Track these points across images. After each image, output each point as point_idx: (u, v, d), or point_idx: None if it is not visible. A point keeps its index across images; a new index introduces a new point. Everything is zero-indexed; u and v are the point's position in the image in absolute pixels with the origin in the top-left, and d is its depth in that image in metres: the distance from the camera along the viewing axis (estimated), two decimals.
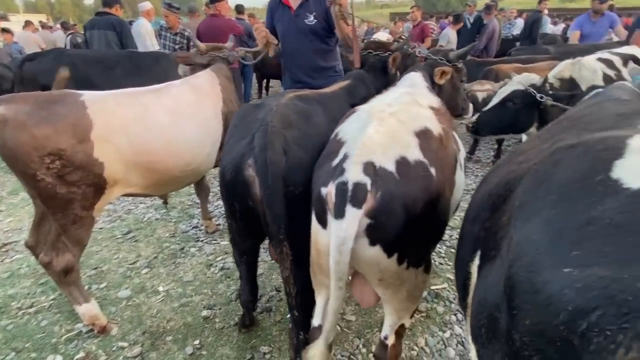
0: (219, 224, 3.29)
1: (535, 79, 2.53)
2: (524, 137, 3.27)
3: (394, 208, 1.15)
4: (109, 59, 4.36)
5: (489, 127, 2.66)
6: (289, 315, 2.25)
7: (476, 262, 0.89)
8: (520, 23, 8.64)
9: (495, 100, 2.64)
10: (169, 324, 2.22)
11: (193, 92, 2.51)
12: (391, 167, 1.18)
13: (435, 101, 1.73)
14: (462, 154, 1.64)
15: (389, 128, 1.28)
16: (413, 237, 1.23)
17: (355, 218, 1.10)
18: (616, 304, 0.46)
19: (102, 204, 2.04)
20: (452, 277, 2.57)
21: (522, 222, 0.67)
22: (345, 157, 1.21)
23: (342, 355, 1.98)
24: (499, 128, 2.69)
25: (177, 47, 5.25)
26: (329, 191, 1.19)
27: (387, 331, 1.45)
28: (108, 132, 1.92)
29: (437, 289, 2.42)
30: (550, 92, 2.41)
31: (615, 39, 5.95)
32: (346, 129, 1.39)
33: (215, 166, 2.75)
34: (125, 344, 2.07)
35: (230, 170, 1.50)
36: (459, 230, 3.21)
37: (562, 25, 12.00)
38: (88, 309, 2.08)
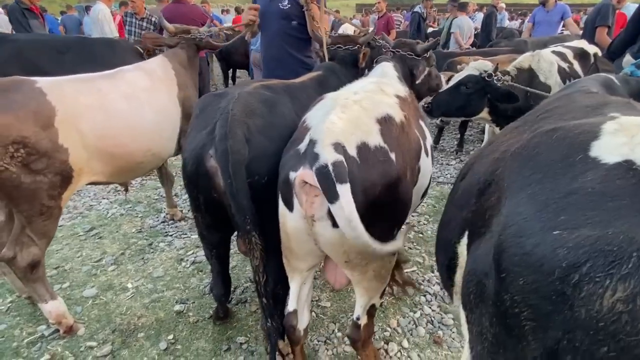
0: (187, 217, 3.23)
1: (488, 65, 2.67)
2: (486, 130, 3.46)
3: (356, 191, 1.19)
4: (60, 45, 4.08)
5: (442, 108, 2.80)
6: None
7: (464, 241, 0.97)
8: (480, 17, 9.01)
9: (450, 84, 2.77)
10: (140, 320, 2.16)
11: (147, 77, 2.46)
12: (353, 151, 1.23)
13: (402, 90, 1.78)
14: (429, 141, 1.71)
15: (352, 114, 1.32)
16: (376, 218, 1.27)
17: (348, 192, 1.12)
18: (603, 255, 0.55)
19: (69, 193, 1.95)
20: (420, 260, 2.69)
21: (510, 198, 0.75)
22: (312, 143, 1.23)
23: (318, 340, 2.03)
24: (451, 110, 2.83)
25: (143, 32, 5.01)
26: (299, 175, 1.21)
27: (359, 312, 1.51)
28: (71, 118, 1.86)
29: (407, 272, 2.52)
30: (505, 79, 2.56)
31: (566, 32, 6.37)
32: (312, 116, 1.41)
33: (177, 154, 2.72)
34: (94, 344, 2.00)
35: (191, 161, 1.47)
36: (427, 217, 3.33)
37: (519, 21, 12.65)
38: (55, 307, 1.98)
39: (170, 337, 2.05)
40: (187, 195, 3.60)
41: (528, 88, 2.46)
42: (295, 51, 2.76)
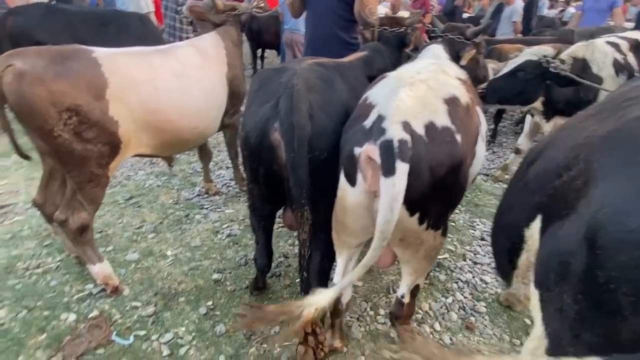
0: (221, 192, 3.31)
1: (549, 51, 2.58)
2: (527, 122, 3.35)
3: (422, 170, 1.20)
4: (101, 17, 4.18)
5: (498, 94, 2.69)
6: (298, 280, 2.34)
7: (536, 225, 0.98)
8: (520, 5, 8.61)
9: (506, 69, 2.68)
10: (180, 286, 2.26)
11: (199, 54, 2.47)
12: (421, 130, 1.23)
13: (461, 73, 1.76)
14: (484, 127, 1.69)
15: (419, 93, 1.32)
16: (435, 199, 1.29)
17: (404, 173, 1.14)
18: None
19: (116, 164, 2.03)
20: (452, 248, 2.68)
21: (603, 180, 0.76)
22: (380, 118, 1.23)
23: (350, 317, 2.08)
24: (508, 96, 2.70)
25: (178, 7, 5.03)
26: (365, 151, 1.22)
27: (404, 290, 1.54)
28: (122, 91, 1.90)
29: (439, 259, 2.53)
30: (563, 68, 2.47)
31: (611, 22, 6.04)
32: (376, 94, 1.40)
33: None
34: (139, 304, 2.11)
35: (255, 134, 1.50)
36: (459, 206, 3.26)
37: (559, 9, 12.04)
38: (102, 269, 2.10)
39: (210, 303, 2.14)
40: (219, 172, 3.74)
41: (585, 81, 2.36)
42: (342, 32, 2.73)
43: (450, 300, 2.22)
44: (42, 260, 2.42)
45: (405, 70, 1.58)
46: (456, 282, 2.35)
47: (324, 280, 1.65)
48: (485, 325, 2.06)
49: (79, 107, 1.72)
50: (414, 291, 1.57)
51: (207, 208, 3.08)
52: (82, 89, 1.73)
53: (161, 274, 2.35)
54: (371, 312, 2.11)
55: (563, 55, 2.61)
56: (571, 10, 10.59)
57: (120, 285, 2.17)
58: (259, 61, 8.15)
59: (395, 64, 2.54)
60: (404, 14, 7.57)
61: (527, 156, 1.31)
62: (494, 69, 4.13)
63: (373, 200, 1.26)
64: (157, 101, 2.06)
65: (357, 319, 2.08)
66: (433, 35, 2.64)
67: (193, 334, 1.95)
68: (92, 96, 1.76)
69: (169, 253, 2.54)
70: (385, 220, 1.16)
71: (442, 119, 1.29)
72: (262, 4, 3.20)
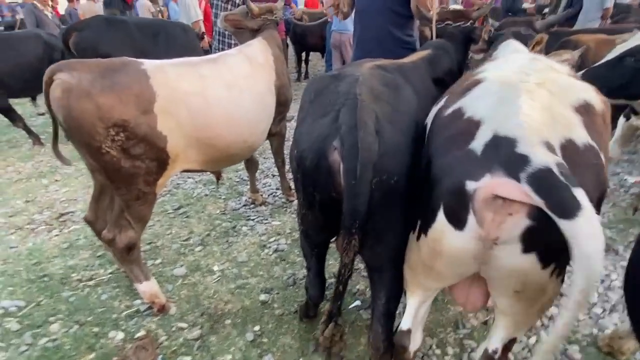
0: (267, 202, 3.19)
1: None
2: (620, 125, 2.83)
3: None
4: (153, 28, 4.29)
5: (598, 84, 2.22)
6: (352, 306, 2.12)
7: None
8: None
9: (611, 55, 2.23)
10: (227, 306, 2.14)
11: (248, 63, 2.34)
12: (558, 152, 0.94)
13: (567, 69, 1.42)
14: None
15: (543, 102, 1.02)
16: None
17: (587, 200, 0.83)
18: None
19: (164, 180, 1.94)
20: None
21: None
22: (501, 140, 0.94)
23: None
24: (612, 88, 2.08)
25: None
26: (488, 187, 0.92)
27: (497, 344, 1.25)
28: (171, 104, 1.80)
29: None
30: None
31: None
32: (477, 105, 1.11)
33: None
34: (185, 325, 2.01)
35: (311, 155, 1.25)
36: None
37: None
38: (148, 287, 2.03)
39: (257, 328, 1.99)
40: (265, 180, 3.63)
41: None
42: (397, 30, 2.47)
43: (533, 340, 1.87)
44: (95, 272, 2.43)
45: (505, 72, 1.26)
46: (540, 319, 1.99)
47: (390, 323, 1.41)
48: None
49: (126, 122, 1.63)
50: (509, 345, 1.28)
51: (253, 219, 2.96)
52: (129, 103, 1.64)
53: (208, 291, 2.25)
54: (437, 351, 1.84)
55: None
56: None
57: (167, 304, 2.10)
58: (303, 64, 8.06)
59: (461, 63, 2.25)
60: (455, 7, 7.09)
61: None
62: (570, 59, 3.63)
63: (491, 248, 0.98)
64: (207, 114, 1.94)
65: (422, 357, 1.81)
66: (491, 30, 2.30)
67: None
68: (140, 110, 1.67)
69: (215, 268, 2.44)
70: (592, 278, 0.83)
71: (581, 135, 0.99)
72: (305, 16, 3.05)
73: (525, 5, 8.48)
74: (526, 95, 1.02)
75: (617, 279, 2.25)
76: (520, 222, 0.90)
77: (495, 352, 1.24)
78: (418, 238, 1.20)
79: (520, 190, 0.88)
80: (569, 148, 0.95)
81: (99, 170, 1.81)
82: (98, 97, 1.58)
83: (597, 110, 1.10)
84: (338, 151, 1.17)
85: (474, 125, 1.04)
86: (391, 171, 1.19)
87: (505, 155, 0.91)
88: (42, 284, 2.32)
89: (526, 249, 0.94)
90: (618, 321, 1.98)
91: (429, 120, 1.38)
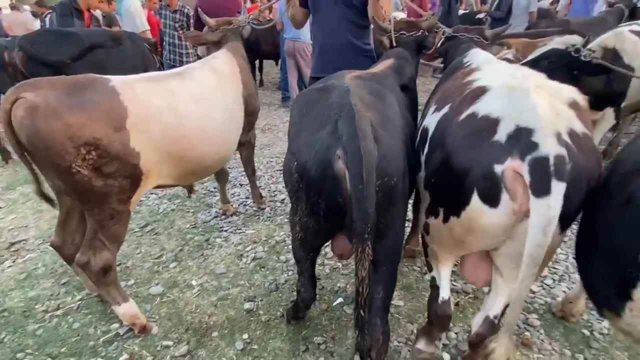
0: (239, 212, 3.19)
1: (578, 40, 2.47)
2: None
3: (582, 182, 1.13)
4: (107, 38, 4.11)
5: None
6: (336, 303, 2.21)
7: None
8: None
9: (529, 57, 2.57)
10: (212, 318, 2.12)
11: (215, 75, 2.36)
12: (569, 139, 1.13)
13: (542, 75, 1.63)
14: None
15: (547, 100, 1.20)
16: (579, 210, 1.23)
17: (561, 194, 1.03)
18: None
19: (137, 197, 1.90)
20: None
21: None
22: (522, 131, 1.12)
23: (398, 342, 1.95)
24: None
25: (177, 25, 4.95)
26: (511, 167, 1.11)
27: (498, 310, 1.42)
28: (143, 120, 1.77)
29: None
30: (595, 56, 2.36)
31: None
32: (490, 106, 1.26)
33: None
34: (170, 343, 1.97)
35: (315, 165, 1.31)
36: None
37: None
38: (128, 309, 1.96)
39: (245, 336, 2.00)
40: (233, 190, 3.61)
41: (620, 69, 2.25)
42: (356, 39, 2.61)
43: None
44: (61, 301, 2.28)
45: (505, 79, 1.40)
46: None
47: (386, 315, 1.51)
48: (542, 340, 1.93)
49: (98, 141, 1.59)
50: (504, 310, 1.44)
51: (227, 230, 2.95)
52: (100, 121, 1.60)
53: (189, 306, 2.22)
54: None
55: (591, 45, 2.50)
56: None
57: (148, 324, 2.03)
58: (257, 72, 8.06)
59: (416, 69, 2.44)
60: (398, 15, 7.54)
61: (616, 164, 1.19)
62: (512, 55, 4.05)
63: (518, 222, 1.17)
64: (178, 128, 1.94)
65: (405, 342, 1.94)
66: (444, 37, 2.53)
67: None
68: (112, 127, 1.63)
69: (194, 283, 2.40)
70: (538, 245, 1.06)
71: (578, 125, 1.20)
72: (260, 17, 3.12)
73: (480, 15, 9.21)
74: (534, 94, 1.20)
75: (562, 252, 2.56)
76: None
77: (496, 317, 1.41)
78: (446, 221, 1.36)
79: (524, 169, 1.08)
80: (574, 136, 1.14)
81: (67, 192, 1.74)
82: (67, 116, 1.52)
83: (582, 106, 1.33)
84: (342, 159, 1.25)
85: (493, 122, 1.20)
86: (390, 173, 1.29)
87: (523, 142, 1.11)
88: (2, 320, 2.14)
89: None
90: (566, 289, 2.26)
91: (429, 124, 1.52)
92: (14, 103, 1.50)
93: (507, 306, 1.41)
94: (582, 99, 1.36)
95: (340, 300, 2.24)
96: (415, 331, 2.00)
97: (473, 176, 1.19)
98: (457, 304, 2.17)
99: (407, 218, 1.68)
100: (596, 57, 2.34)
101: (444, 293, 1.52)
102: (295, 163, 1.38)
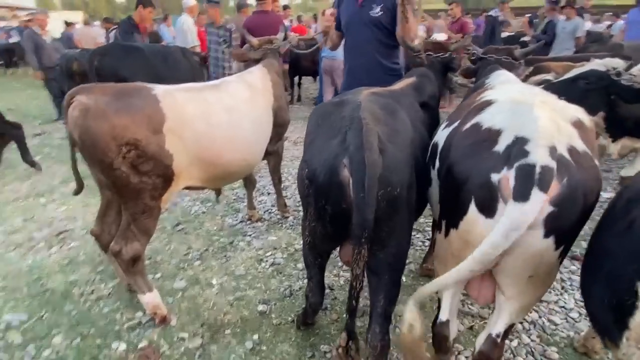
0: (263, 219, 3.31)
1: (620, 63, 2.39)
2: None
3: (578, 196, 1.12)
4: (164, 53, 4.55)
5: None
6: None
7: None
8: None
9: (567, 75, 2.51)
10: (226, 317, 2.22)
11: (248, 89, 2.53)
12: (567, 154, 1.14)
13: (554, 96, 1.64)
14: None
15: (550, 116, 1.22)
16: (578, 228, 1.22)
17: (539, 203, 1.05)
18: None
19: (168, 196, 2.06)
20: None
21: None
22: (520, 141, 1.14)
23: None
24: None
25: (220, 40, 5.32)
26: (503, 176, 1.13)
27: (501, 329, 1.38)
28: (178, 125, 1.95)
29: None
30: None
31: None
32: (494, 119, 1.29)
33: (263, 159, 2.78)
34: (186, 335, 2.09)
35: (323, 172, 1.41)
36: None
37: (606, 22, 11.52)
38: (151, 299, 2.11)
39: (256, 337, 2.07)
40: (261, 198, 3.76)
41: None
42: (384, 59, 2.70)
43: (515, 343, 2.00)
44: (95, 287, 2.49)
45: (509, 94, 1.45)
46: (521, 323, 2.12)
47: (387, 324, 1.54)
48: None
49: (138, 141, 1.78)
50: (508, 330, 1.42)
51: (250, 235, 3.07)
52: (141, 124, 1.79)
53: (207, 303, 2.33)
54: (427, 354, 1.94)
55: (634, 70, 2.40)
56: (620, 23, 10.07)
57: (168, 315, 2.17)
58: (296, 88, 8.36)
59: (440, 88, 2.47)
60: (438, 36, 7.55)
61: (625, 189, 1.16)
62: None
63: None
64: (209, 135, 2.10)
65: None
66: (474, 58, 2.54)
67: None
68: (150, 131, 1.82)
69: (214, 282, 2.53)
70: (493, 246, 1.07)
71: (579, 143, 1.21)
72: (302, 42, 3.32)
73: (526, 38, 9.06)
74: (537, 109, 1.22)
75: None
76: (545, 208, 1.08)
77: (498, 335, 1.39)
78: (446, 235, 1.38)
79: (510, 175, 1.11)
80: (573, 152, 1.15)
81: (109, 186, 1.94)
82: (113, 118, 1.72)
83: (587, 126, 1.33)
84: (347, 168, 1.33)
85: (495, 133, 1.24)
86: (394, 184, 1.35)
87: (516, 150, 1.13)
88: (44, 299, 2.38)
89: (547, 234, 1.12)
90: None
91: (439, 139, 1.58)
92: (70, 104, 1.73)
93: (511, 325, 1.39)
94: (587, 120, 1.35)
95: None
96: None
97: (471, 185, 1.22)
98: (470, 328, 2.12)
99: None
100: (638, 82, 2.25)
101: (443, 315, 1.50)
102: (307, 170, 1.47)
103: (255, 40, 3.00)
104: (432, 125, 2.19)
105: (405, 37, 2.52)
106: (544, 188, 1.05)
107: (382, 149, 1.34)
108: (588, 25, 10.42)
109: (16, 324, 2.17)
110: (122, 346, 2.02)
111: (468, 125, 1.36)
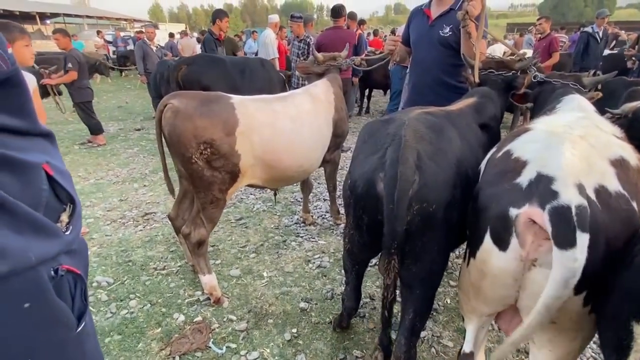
0: (316, 223, 3.48)
1: None
2: None
3: (599, 241, 1.06)
4: (243, 64, 5.02)
5: None
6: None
7: None
8: None
9: None
10: (271, 308, 2.41)
11: (311, 100, 2.73)
12: (592, 194, 1.10)
13: (617, 130, 1.52)
14: None
15: (582, 152, 1.18)
16: (603, 277, 1.11)
17: (585, 245, 0.99)
18: None
19: (233, 190, 2.33)
20: None
21: None
22: (545, 179, 1.11)
23: None
24: None
25: (300, 52, 5.70)
26: (525, 213, 1.10)
27: None
28: (248, 130, 2.21)
29: None
30: None
31: None
32: (524, 148, 1.28)
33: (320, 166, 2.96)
34: (234, 317, 2.32)
35: (362, 184, 1.49)
36: None
37: None
38: (209, 280, 2.39)
39: (294, 330, 2.22)
40: (316, 203, 3.95)
41: None
42: (449, 77, 2.70)
43: None
44: (167, 264, 2.88)
45: (552, 124, 1.42)
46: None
47: (414, 339, 1.57)
48: None
49: (214, 141, 2.07)
50: None
51: (302, 236, 3.26)
52: (218, 126, 2.09)
53: (256, 292, 2.56)
54: None
55: None
56: None
57: (221, 297, 2.43)
58: (365, 100, 8.51)
59: (502, 108, 2.38)
60: (496, 48, 7.07)
61: None
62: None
63: (529, 269, 1.13)
64: (273, 141, 2.35)
65: None
66: (537, 80, 2.38)
67: (276, 357, 2.04)
68: (224, 133, 2.11)
69: (265, 274, 2.75)
70: (556, 296, 1.01)
71: (613, 183, 1.14)
72: (364, 62, 3.44)
73: (606, 52, 8.13)
74: (569, 144, 1.18)
75: None
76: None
77: None
78: (468, 263, 1.38)
79: (544, 218, 1.06)
80: (602, 193, 1.10)
81: (186, 177, 2.27)
82: (196, 120, 2.04)
83: (632, 165, 1.23)
84: (383, 181, 1.41)
85: (521, 165, 1.22)
86: (430, 200, 1.38)
87: (542, 189, 1.09)
88: (127, 268, 2.82)
89: None
90: None
91: (484, 162, 1.58)
92: (165, 107, 2.09)
93: None
94: (634, 157, 1.24)
95: None
96: None
97: (489, 214, 1.20)
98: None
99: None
100: None
101: (467, 347, 1.48)
102: (349, 181, 1.57)
103: (320, 56, 3.18)
104: (492, 147, 2.14)
105: (467, 54, 2.50)
106: (585, 228, 0.99)
107: (419, 166, 1.38)
108: None
109: (104, 284, 2.61)
110: (181, 318, 2.32)
111: (502, 151, 1.35)
